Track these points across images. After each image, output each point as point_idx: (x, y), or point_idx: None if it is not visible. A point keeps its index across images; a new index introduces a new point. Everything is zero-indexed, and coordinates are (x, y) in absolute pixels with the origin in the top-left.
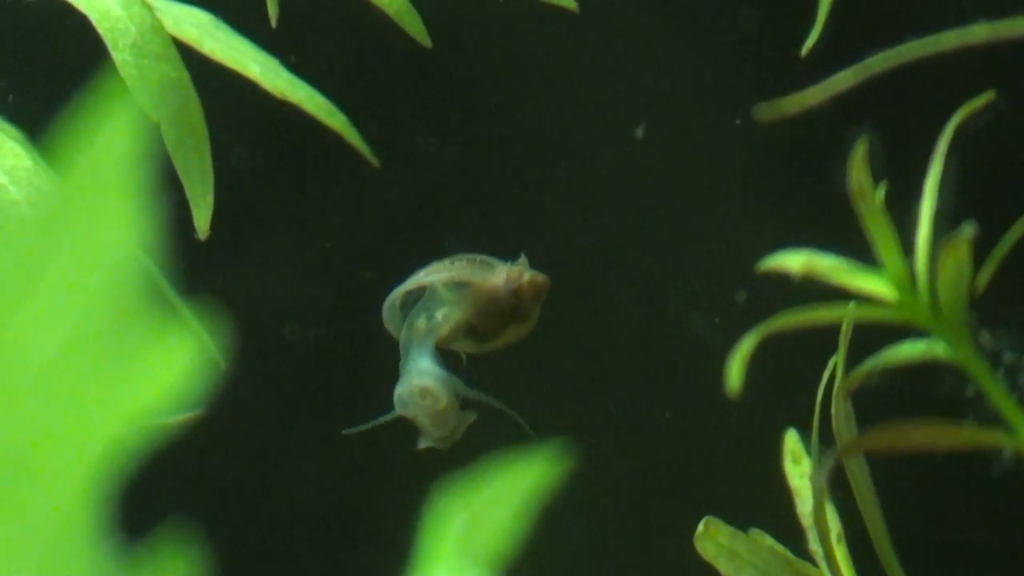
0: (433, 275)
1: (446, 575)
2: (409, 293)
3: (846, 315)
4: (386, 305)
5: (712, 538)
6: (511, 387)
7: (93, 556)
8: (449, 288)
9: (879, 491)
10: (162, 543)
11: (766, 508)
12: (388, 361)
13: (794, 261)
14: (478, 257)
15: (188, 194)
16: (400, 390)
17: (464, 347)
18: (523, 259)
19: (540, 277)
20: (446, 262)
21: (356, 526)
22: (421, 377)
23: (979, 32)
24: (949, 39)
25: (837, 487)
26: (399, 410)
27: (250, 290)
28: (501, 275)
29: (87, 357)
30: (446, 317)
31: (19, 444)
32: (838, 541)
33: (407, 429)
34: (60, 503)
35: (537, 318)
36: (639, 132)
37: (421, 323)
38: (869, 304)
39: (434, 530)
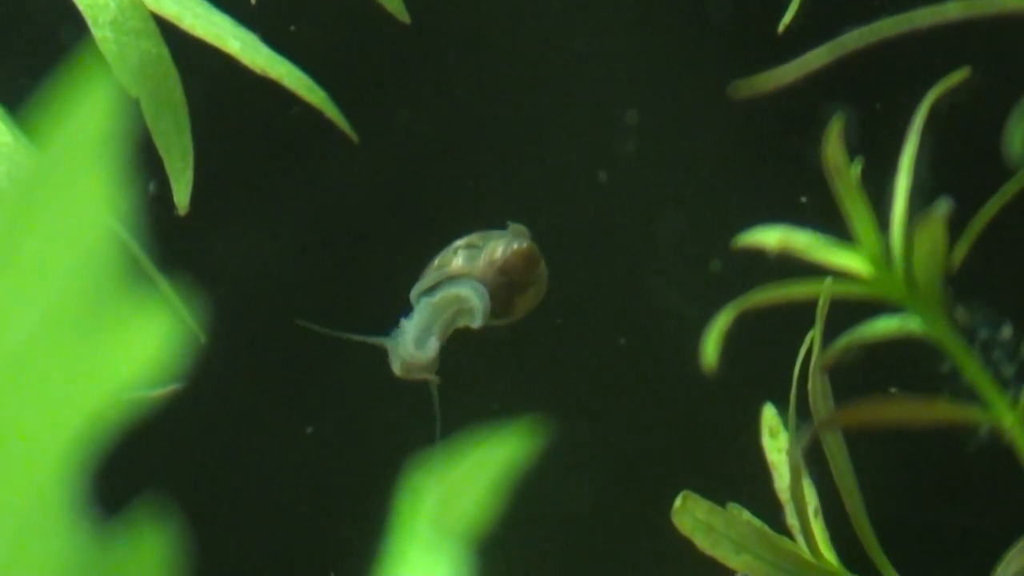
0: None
1: (421, 550)
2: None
3: (822, 291)
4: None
5: (689, 512)
6: (490, 363)
7: (69, 530)
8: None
9: (856, 466)
10: (138, 518)
11: (743, 483)
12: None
13: (770, 237)
14: (475, 235)
15: (168, 170)
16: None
17: (495, 323)
18: (514, 227)
19: (521, 247)
20: (445, 253)
21: (331, 501)
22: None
23: (953, 9)
24: (924, 16)
25: (814, 462)
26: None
27: (230, 265)
28: (486, 259)
29: (65, 331)
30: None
31: None
32: (815, 515)
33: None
34: (37, 477)
35: (544, 278)
36: (616, 111)
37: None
38: (845, 280)
39: (409, 505)
